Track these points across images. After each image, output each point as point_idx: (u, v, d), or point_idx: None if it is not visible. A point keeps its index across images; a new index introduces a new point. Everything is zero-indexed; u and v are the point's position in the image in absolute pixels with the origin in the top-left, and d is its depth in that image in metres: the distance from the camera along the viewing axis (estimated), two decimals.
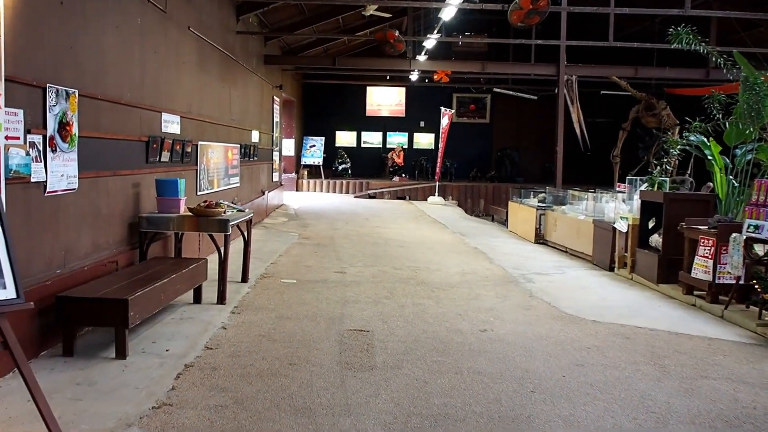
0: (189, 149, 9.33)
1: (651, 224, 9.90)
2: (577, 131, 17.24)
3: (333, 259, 10.84)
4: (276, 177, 18.11)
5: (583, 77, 17.72)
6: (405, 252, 11.91)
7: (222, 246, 7.31)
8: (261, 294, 7.95)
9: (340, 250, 11.86)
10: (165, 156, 8.24)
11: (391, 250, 12.12)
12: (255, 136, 14.76)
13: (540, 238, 14.15)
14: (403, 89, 26.61)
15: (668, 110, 18.11)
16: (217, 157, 11.21)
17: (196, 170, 9.93)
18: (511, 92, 23.89)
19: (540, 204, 14.48)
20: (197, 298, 7.26)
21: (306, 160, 24.58)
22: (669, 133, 18.38)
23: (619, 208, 11.02)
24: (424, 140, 27.28)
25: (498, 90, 24.28)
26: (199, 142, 9.98)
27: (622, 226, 10.31)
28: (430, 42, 14.71)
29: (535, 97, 23.84)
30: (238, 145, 12.84)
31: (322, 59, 17.55)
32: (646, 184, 10.45)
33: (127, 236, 7.17)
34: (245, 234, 8.51)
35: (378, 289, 8.46)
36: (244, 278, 8.53)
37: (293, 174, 23.29)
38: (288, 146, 22.72)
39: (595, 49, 21.56)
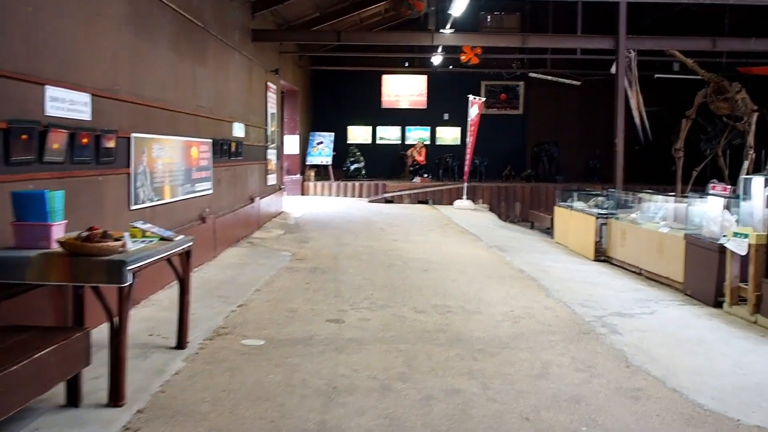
0: (111, 144, 6.35)
1: None
2: (637, 120, 14.07)
3: (330, 294, 7.81)
4: (272, 180, 15.12)
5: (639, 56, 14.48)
6: (430, 279, 8.85)
7: (117, 308, 4.26)
8: (199, 375, 4.92)
9: (343, 277, 8.83)
10: (53, 154, 5.25)
11: (412, 275, 9.07)
12: (238, 129, 11.76)
13: (601, 255, 11.06)
14: (424, 77, 23.41)
15: (744, 93, 14.87)
16: (171, 156, 8.22)
17: (129, 174, 6.95)
18: (550, 77, 20.62)
19: (600, 211, 11.32)
20: (73, 396, 4.23)
21: (312, 160, 21.43)
22: (744, 121, 15.16)
23: (725, 218, 7.87)
24: (448, 135, 24.04)
25: (535, 75, 20.99)
26: (134, 135, 7.00)
27: (738, 247, 7.18)
28: (460, 4, 11.54)
29: (579, 83, 20.59)
30: (210, 141, 9.86)
31: (325, 35, 14.51)
32: None
33: None
34: (181, 273, 5.47)
35: (389, 358, 5.41)
36: (181, 342, 5.50)
37: (297, 175, 20.26)
38: (291, 143, 19.72)
39: (655, 20, 18.43)
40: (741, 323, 6.94)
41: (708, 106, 15.64)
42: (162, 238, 5.06)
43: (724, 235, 7.53)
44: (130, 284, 4.23)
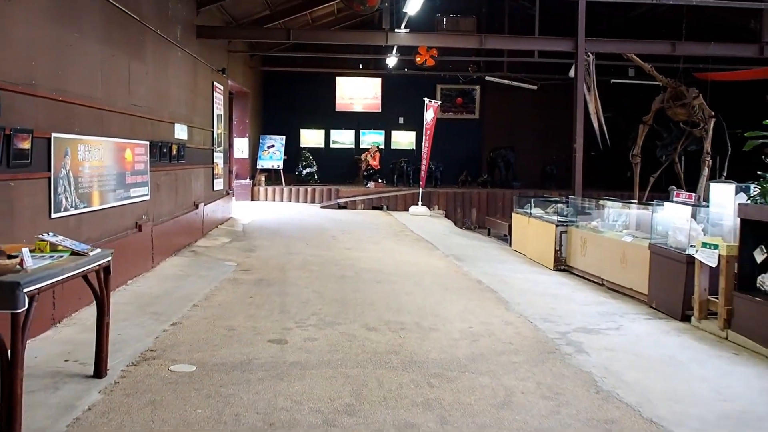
0: (25, 145, 5.66)
1: (761, 256, 6.39)
2: (595, 125, 13.77)
3: (275, 309, 7.19)
4: (219, 185, 14.40)
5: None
6: (383, 291, 8.30)
7: (9, 340, 3.58)
8: (115, 411, 4.27)
9: (291, 290, 8.22)
10: None
11: (364, 288, 8.51)
12: (181, 131, 11.05)
13: (561, 264, 10.67)
14: (379, 80, 22.82)
15: (701, 99, 14.67)
16: (101, 159, 7.52)
17: (50, 179, 6.24)
18: (507, 81, 20.24)
19: (560, 218, 10.92)
20: None
21: (263, 164, 20.67)
22: (701, 127, 14.98)
23: (692, 227, 7.49)
24: (403, 139, 23.53)
25: (491, 78, 20.59)
26: (55, 135, 6.30)
27: (707, 258, 6.81)
28: (415, 3, 11.03)
29: (536, 87, 20.27)
30: (147, 143, 9.14)
31: (275, 33, 13.83)
32: (748, 194, 6.86)
33: None
34: (98, 291, 4.80)
35: (336, 386, 4.82)
36: (99, 370, 4.83)
37: (247, 180, 19.50)
38: (241, 146, 18.97)
39: (610, 25, 18.26)
40: (711, 339, 6.55)
41: (665, 111, 15.43)
42: (74, 253, 4.40)
43: (692, 246, 7.16)
44: (27, 309, 3.57)
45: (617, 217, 9.81)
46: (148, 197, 9.24)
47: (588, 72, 13.23)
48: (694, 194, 8.79)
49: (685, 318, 7.21)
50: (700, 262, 6.94)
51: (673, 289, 7.49)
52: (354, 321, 6.80)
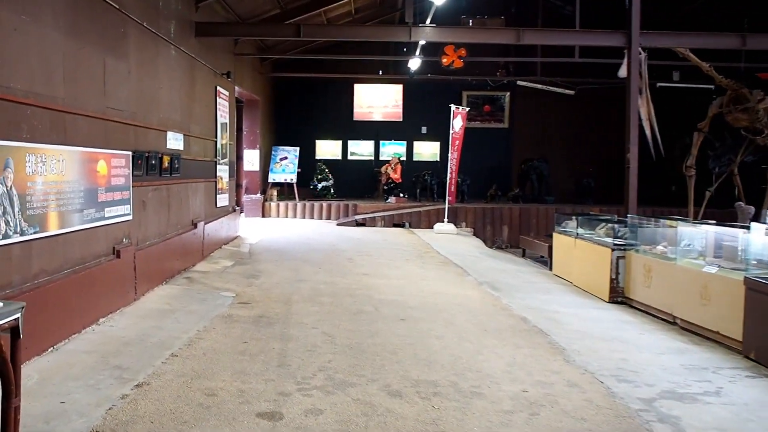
0: None
1: None
2: (647, 131, 12.11)
3: (273, 362, 5.68)
4: (223, 201, 12.93)
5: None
6: (408, 333, 6.77)
7: None
8: None
9: (295, 332, 6.71)
10: None
11: (385, 328, 6.99)
12: (174, 140, 9.62)
13: (618, 295, 9.09)
14: (400, 86, 21.31)
15: (767, 103, 13.01)
16: (61, 172, 6.07)
17: None
18: (541, 86, 18.63)
19: (617, 241, 9.31)
20: None
21: (275, 177, 19.16)
22: (765, 135, 13.33)
23: None
24: (426, 150, 21.95)
25: (523, 83, 18.98)
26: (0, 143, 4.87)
27: None
28: None
29: (572, 92, 18.64)
30: (128, 154, 7.70)
31: (284, 30, 12.31)
32: None
33: None
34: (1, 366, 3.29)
35: None
36: None
37: (258, 195, 18.03)
38: (251, 159, 17.55)
39: (658, 17, 16.58)
40: None
41: (723, 117, 13.77)
42: None
43: None
44: None
45: (689, 240, 8.19)
46: (129, 217, 7.78)
47: (640, 72, 11.63)
48: None
49: None
50: None
51: None
52: (372, 380, 5.27)
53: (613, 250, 9.12)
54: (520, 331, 7.13)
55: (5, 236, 5.18)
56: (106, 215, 7.16)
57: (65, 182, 6.18)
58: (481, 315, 7.84)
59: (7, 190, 5.17)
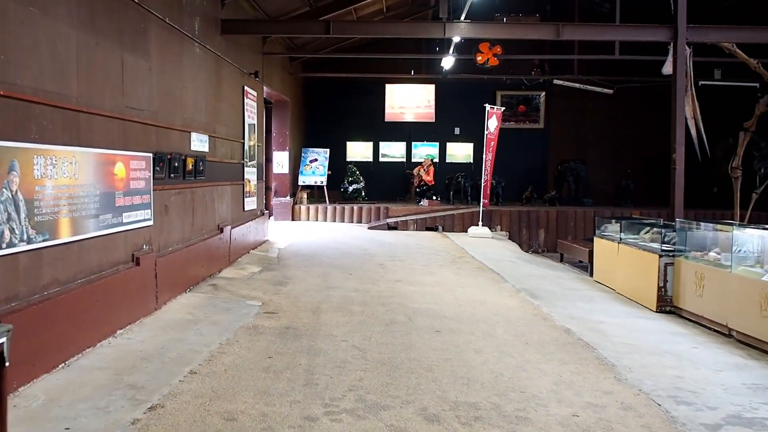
0: None
1: None
2: (693, 131, 11.51)
3: (299, 380, 5.24)
4: (251, 204, 12.57)
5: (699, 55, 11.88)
6: (444, 347, 6.29)
7: None
8: None
9: (324, 345, 6.27)
10: None
11: (420, 341, 6.51)
12: (199, 142, 9.26)
13: (666, 304, 8.50)
14: (432, 87, 20.81)
15: None
16: (74, 175, 5.70)
17: None
18: (579, 85, 17.98)
19: (664, 247, 8.72)
20: None
21: (305, 180, 18.78)
22: None
23: None
24: (460, 152, 21.40)
25: (560, 82, 18.35)
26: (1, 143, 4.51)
27: None
28: None
29: (611, 91, 17.95)
30: (149, 155, 7.34)
31: (312, 26, 11.88)
32: None
33: None
34: None
35: None
36: None
37: (287, 198, 17.66)
38: (280, 161, 17.20)
39: (699, 11, 15.90)
40: None
41: None
42: None
43: None
44: None
45: (742, 246, 7.59)
46: (150, 222, 7.42)
47: (685, 69, 11.00)
48: None
49: None
50: None
51: None
52: (407, 401, 4.80)
53: (660, 256, 8.54)
54: (564, 344, 6.61)
55: (10, 245, 4.81)
56: (125, 221, 6.80)
57: (78, 186, 5.81)
58: (522, 326, 7.32)
59: (12, 195, 4.81)
